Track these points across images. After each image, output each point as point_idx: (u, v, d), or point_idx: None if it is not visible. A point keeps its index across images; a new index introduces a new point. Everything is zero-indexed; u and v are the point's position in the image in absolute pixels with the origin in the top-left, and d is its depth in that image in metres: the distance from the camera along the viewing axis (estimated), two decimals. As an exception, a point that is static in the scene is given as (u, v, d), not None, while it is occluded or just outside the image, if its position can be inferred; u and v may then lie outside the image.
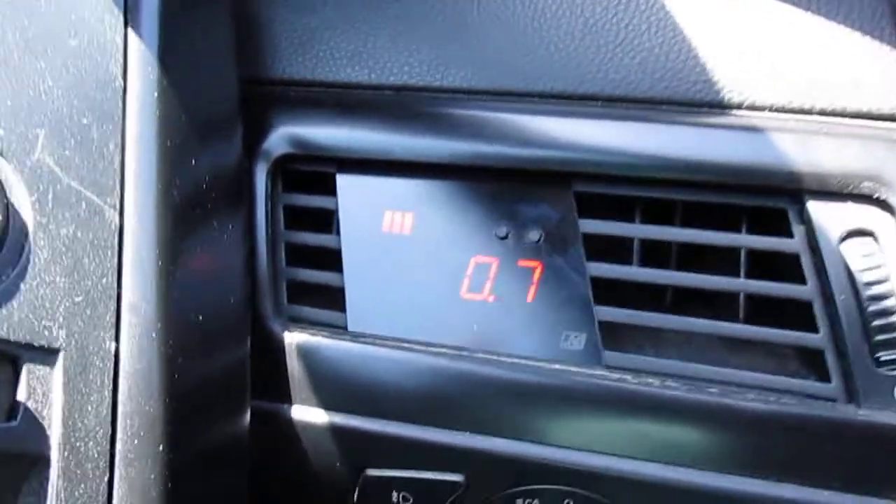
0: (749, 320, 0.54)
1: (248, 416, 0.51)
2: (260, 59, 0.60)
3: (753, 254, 0.54)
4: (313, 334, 0.55)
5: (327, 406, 0.54)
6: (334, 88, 0.59)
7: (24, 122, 0.38)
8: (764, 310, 0.54)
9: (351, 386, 0.54)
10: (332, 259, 0.58)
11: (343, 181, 0.58)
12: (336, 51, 0.59)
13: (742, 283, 0.53)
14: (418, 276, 0.56)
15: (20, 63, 0.39)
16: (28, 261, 0.37)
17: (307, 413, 0.55)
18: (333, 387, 0.54)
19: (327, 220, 0.60)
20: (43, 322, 0.37)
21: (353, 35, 0.59)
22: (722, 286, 0.53)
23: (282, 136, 0.57)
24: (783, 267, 0.54)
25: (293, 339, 0.55)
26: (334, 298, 0.57)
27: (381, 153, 0.56)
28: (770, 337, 0.52)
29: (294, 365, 0.55)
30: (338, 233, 0.58)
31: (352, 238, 0.57)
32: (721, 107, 0.55)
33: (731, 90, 0.54)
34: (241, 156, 0.54)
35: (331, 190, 0.58)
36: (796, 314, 0.51)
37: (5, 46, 0.38)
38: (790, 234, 0.53)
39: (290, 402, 0.55)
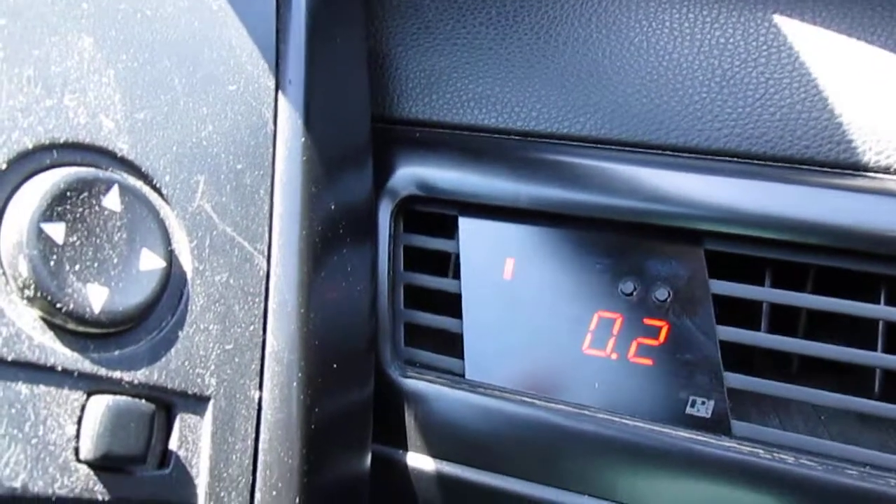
0: (884, 395, 0.51)
1: (369, 461, 0.51)
2: (388, 98, 0.60)
3: (892, 325, 0.51)
4: (431, 382, 0.54)
5: (442, 455, 0.54)
6: (460, 131, 0.59)
7: (187, 168, 0.38)
8: (899, 384, 0.51)
9: (468, 437, 0.53)
10: (446, 302, 0.57)
11: (465, 225, 0.57)
12: (463, 93, 0.58)
13: (880, 358, 0.50)
14: (539, 327, 0.55)
15: (185, 109, 0.39)
16: (186, 308, 0.37)
17: (422, 461, 0.55)
18: (449, 437, 0.54)
19: (443, 263, 0.59)
20: (196, 370, 0.37)
21: (481, 78, 0.58)
22: (858, 360, 0.50)
23: (407, 177, 0.57)
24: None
25: (411, 385, 0.54)
26: (451, 343, 0.57)
27: (506, 200, 0.55)
28: (909, 417, 0.49)
29: (411, 412, 0.54)
30: (456, 277, 0.57)
31: (472, 284, 0.56)
32: (865, 170, 0.52)
33: (876, 152, 0.52)
34: (371, 195, 0.54)
35: (451, 233, 0.58)
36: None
37: (173, 93, 0.39)
38: (937, 309, 0.50)
39: (405, 448, 0.55)
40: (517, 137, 0.57)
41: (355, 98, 0.53)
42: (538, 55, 0.57)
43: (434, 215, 0.58)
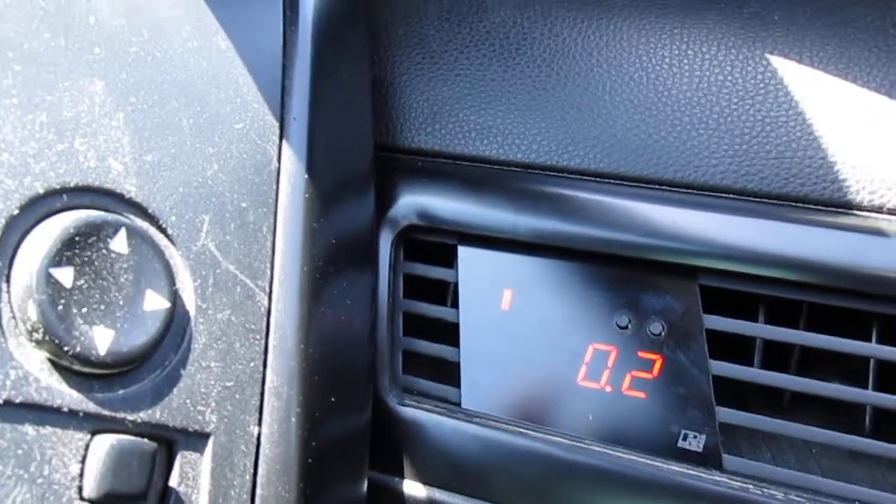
0: (875, 431, 0.52)
1: (365, 488, 0.52)
2: (391, 127, 0.61)
3: (882, 363, 0.52)
4: (428, 411, 0.55)
5: (438, 484, 0.55)
6: (461, 161, 0.60)
7: (193, 208, 0.39)
8: (890, 421, 0.52)
9: (463, 466, 0.54)
10: (444, 330, 0.58)
11: (464, 254, 0.58)
12: (465, 124, 0.59)
13: (871, 396, 0.51)
14: (535, 357, 0.55)
15: (192, 150, 0.40)
16: (189, 347, 0.38)
17: (417, 489, 0.56)
18: (445, 465, 0.55)
19: (442, 291, 0.60)
20: (198, 407, 0.38)
21: (483, 109, 0.59)
22: (848, 397, 0.51)
23: (408, 206, 0.58)
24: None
25: (408, 414, 0.55)
26: (448, 371, 0.58)
27: (505, 231, 0.56)
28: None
29: (408, 440, 0.55)
30: (454, 305, 0.58)
31: (470, 313, 0.57)
32: (858, 209, 0.53)
33: (869, 192, 0.53)
34: (372, 225, 0.55)
35: (450, 261, 0.59)
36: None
37: (181, 134, 0.40)
38: (927, 348, 0.51)
39: (402, 475, 0.56)
40: (518, 169, 0.58)
41: (358, 128, 0.54)
42: (540, 88, 0.58)
43: (434, 244, 0.59)
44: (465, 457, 0.54)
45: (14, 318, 0.33)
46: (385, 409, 0.55)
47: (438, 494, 0.55)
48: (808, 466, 0.52)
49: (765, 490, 0.50)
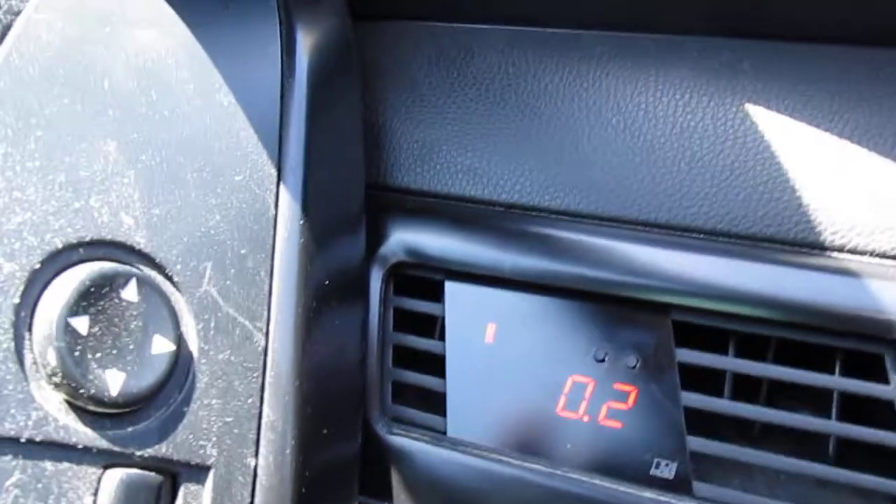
0: (839, 459, 0.55)
1: (355, 513, 0.55)
2: (382, 167, 0.64)
3: (845, 395, 0.55)
4: (415, 439, 0.58)
5: (425, 509, 0.58)
6: (449, 200, 0.63)
7: (196, 256, 0.43)
8: (854, 450, 0.55)
9: (448, 492, 0.57)
10: (431, 361, 0.62)
11: (451, 289, 0.61)
12: (452, 165, 0.63)
13: (834, 426, 0.54)
14: (517, 389, 0.59)
15: (196, 202, 0.44)
16: (192, 386, 0.41)
17: (405, 514, 0.59)
18: (431, 491, 0.58)
19: (430, 324, 0.63)
20: (199, 442, 0.41)
21: (470, 151, 0.62)
22: (813, 427, 0.54)
23: (398, 244, 0.61)
24: (875, 410, 0.54)
25: (396, 442, 0.58)
26: (434, 401, 0.61)
27: (489, 268, 0.60)
28: (860, 482, 0.53)
29: (396, 467, 0.58)
30: (441, 338, 0.61)
31: (456, 346, 0.60)
32: (822, 248, 0.56)
33: (832, 232, 0.56)
34: (363, 262, 0.58)
35: (437, 296, 0.62)
36: (887, 458, 0.52)
37: (186, 187, 0.43)
38: (886, 381, 0.54)
39: (391, 500, 0.59)
40: (501, 209, 0.61)
41: (351, 171, 0.57)
42: (523, 132, 0.61)
43: (422, 279, 0.62)
44: (449, 483, 0.57)
45: (35, 363, 0.36)
46: (375, 436, 0.58)
47: (426, 520, 0.58)
48: (777, 493, 0.55)
49: (732, 516, 0.52)
